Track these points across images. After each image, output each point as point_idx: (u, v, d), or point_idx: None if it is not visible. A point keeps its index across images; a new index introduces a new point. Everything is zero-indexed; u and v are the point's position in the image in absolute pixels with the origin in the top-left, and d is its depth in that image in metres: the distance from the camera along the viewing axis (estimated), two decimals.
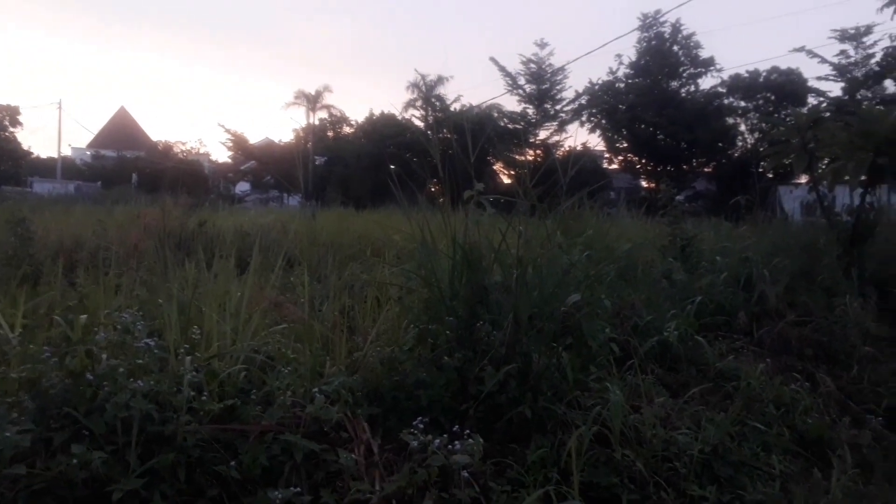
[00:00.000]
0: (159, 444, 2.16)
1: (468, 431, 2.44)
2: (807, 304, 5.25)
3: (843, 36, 26.65)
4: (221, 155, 52.81)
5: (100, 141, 53.34)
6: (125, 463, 2.08)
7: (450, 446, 2.27)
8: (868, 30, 25.76)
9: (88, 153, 49.47)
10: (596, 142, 32.71)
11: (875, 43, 25.24)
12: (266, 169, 39.97)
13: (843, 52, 26.76)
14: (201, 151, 47.17)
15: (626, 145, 32.00)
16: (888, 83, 21.92)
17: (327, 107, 41.62)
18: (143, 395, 2.16)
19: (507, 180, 32.88)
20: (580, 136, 36.40)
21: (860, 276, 5.71)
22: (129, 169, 39.29)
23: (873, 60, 24.52)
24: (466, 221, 3.30)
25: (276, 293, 4.16)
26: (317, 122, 42.32)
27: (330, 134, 43.17)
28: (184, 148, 45.04)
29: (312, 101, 40.71)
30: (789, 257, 5.89)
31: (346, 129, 43.39)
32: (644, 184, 33.01)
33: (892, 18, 17.18)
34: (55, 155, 45.76)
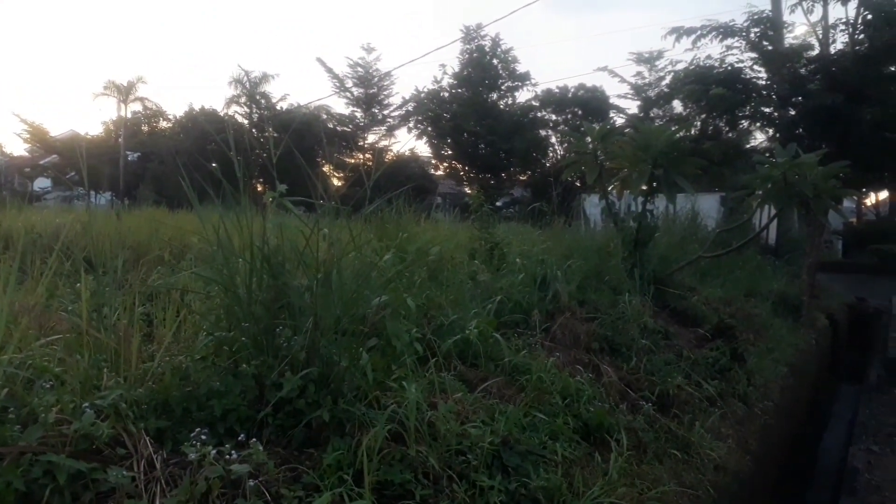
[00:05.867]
0: None
1: (254, 440, 2.38)
2: (595, 302, 5.76)
3: (639, 59, 29.76)
4: (17, 148, 47.27)
5: None
6: None
7: (227, 456, 2.20)
8: (660, 54, 28.99)
9: None
10: (423, 148, 33.57)
11: (664, 67, 28.45)
12: (70, 164, 36.17)
13: (639, 73, 29.91)
14: None
15: (450, 153, 33.08)
16: (676, 103, 24.60)
17: (141, 99, 39.03)
18: None
19: (337, 182, 32.63)
20: (409, 142, 37.13)
21: (641, 275, 6.39)
22: None
23: (664, 83, 27.51)
24: (264, 223, 3.22)
25: (56, 301, 3.78)
26: (129, 115, 39.43)
27: (145, 128, 40.29)
28: None
29: (125, 92, 37.96)
30: (583, 259, 6.45)
31: (163, 124, 40.66)
32: (468, 190, 34.37)
33: (672, 46, 19.58)
34: None
